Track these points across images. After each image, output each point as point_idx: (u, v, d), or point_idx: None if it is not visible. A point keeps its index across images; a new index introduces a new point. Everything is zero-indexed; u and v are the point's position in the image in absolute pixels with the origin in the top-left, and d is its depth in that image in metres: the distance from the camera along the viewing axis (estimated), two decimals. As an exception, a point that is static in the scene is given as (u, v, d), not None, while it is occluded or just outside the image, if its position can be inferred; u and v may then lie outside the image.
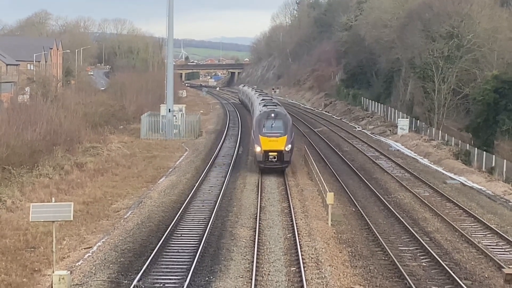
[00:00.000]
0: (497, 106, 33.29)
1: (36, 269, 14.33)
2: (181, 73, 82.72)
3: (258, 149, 25.13)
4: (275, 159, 25.04)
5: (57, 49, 69.22)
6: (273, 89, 73.27)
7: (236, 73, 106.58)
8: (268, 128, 25.56)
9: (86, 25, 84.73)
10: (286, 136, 25.23)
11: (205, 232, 16.64)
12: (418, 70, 41.07)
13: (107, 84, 68.67)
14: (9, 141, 25.31)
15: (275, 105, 32.21)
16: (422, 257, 15.08)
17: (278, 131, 25.44)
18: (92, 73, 77.75)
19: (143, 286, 12.49)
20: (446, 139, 37.16)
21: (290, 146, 25.33)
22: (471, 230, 18.16)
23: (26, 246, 15.58)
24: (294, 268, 13.74)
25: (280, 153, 24.93)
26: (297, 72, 77.04)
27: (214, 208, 19.88)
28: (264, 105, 31.86)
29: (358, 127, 48.49)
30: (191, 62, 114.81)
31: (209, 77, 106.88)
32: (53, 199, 14.95)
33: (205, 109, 60.09)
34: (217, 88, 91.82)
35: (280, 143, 24.92)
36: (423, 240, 16.31)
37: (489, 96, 33.51)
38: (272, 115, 26.37)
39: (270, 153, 24.84)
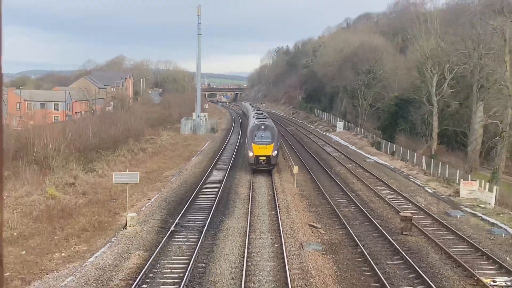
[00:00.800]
0: (397, 114, 49.66)
1: (116, 212, 22.65)
2: (205, 94, 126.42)
3: (250, 153, 29.40)
4: (264, 162, 29.21)
5: (130, 79, 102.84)
6: (261, 103, 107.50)
7: (238, 94, 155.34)
8: (259, 137, 29.74)
9: (147, 63, 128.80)
10: (273, 144, 29.30)
11: (219, 190, 25.60)
12: (349, 92, 61.87)
13: (160, 100, 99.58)
14: (101, 135, 38.39)
15: (265, 118, 37.32)
16: (351, 206, 23.66)
17: (267, 140, 29.53)
18: (151, 93, 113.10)
19: (181, 223, 21.09)
20: (366, 134, 54.74)
21: (276, 152, 29.55)
22: (380, 189, 27.78)
23: (110, 199, 24.47)
24: (273, 212, 21.25)
25: (268, 157, 29.17)
26: (276, 93, 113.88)
27: (225, 176, 29.63)
28: (256, 118, 37.05)
29: (313, 127, 69.67)
30: (211, 87, 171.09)
31: (222, 96, 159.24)
32: (127, 170, 23.63)
33: (220, 116, 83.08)
34: (227, 103, 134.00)
35: (268, 150, 29.14)
36: (351, 195, 25.49)
37: (392, 108, 50.94)
38: (262, 127, 30.55)
39: (260, 157, 29.12)
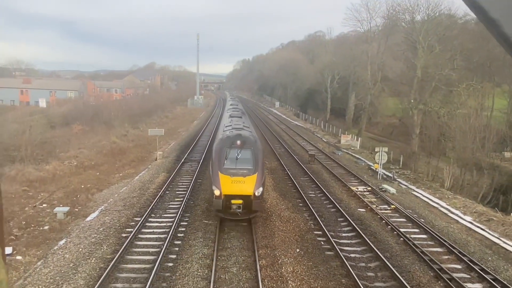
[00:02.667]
0: (308, 98, 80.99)
1: (151, 151, 35.27)
2: (202, 85, 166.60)
3: (216, 192, 15.68)
4: (241, 208, 15.76)
5: (158, 75, 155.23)
6: (234, 92, 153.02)
7: (221, 85, 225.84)
8: (231, 162, 16.30)
9: (168, 67, 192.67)
10: (256, 173, 15.93)
11: (209, 139, 38.16)
12: (282, 85, 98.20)
13: (176, 88, 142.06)
14: (141, 108, 55.79)
15: (241, 118, 23.84)
16: (281, 149, 36.47)
17: (246, 166, 16.13)
18: (170, 84, 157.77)
19: (188, 157, 33.68)
20: (291, 109, 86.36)
21: (261, 188, 15.87)
22: (298, 139, 42.69)
23: (147, 143, 37.39)
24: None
25: (247, 199, 15.71)
26: (241, 85, 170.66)
27: (213, 130, 42.11)
28: (230, 117, 23.87)
29: (262, 104, 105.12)
30: (205, 81, 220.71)
31: (212, 87, 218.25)
32: (156, 128, 36.31)
33: (210, 97, 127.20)
34: (214, 90, 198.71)
35: (248, 185, 15.71)
36: (282, 143, 37.84)
37: (305, 94, 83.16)
38: (238, 142, 16.65)
39: (233, 201, 15.65)
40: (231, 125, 19.97)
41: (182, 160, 30.21)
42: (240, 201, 15.77)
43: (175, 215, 17.93)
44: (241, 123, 20.87)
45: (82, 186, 24.12)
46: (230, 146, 16.56)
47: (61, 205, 19.93)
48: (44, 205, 20.32)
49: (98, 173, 27.53)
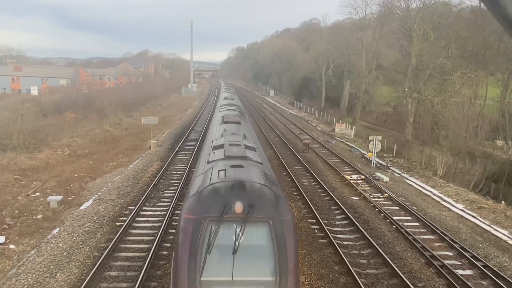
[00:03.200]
0: (303, 86, 78.79)
1: (145, 140, 35.22)
2: (196, 73, 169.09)
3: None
4: None
5: (151, 63, 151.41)
6: (228, 80, 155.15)
7: (215, 73, 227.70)
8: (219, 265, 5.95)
9: (161, 54, 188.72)
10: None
11: (203, 128, 37.99)
12: (277, 74, 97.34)
13: (169, 76, 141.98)
14: (135, 95, 55.31)
15: (243, 139, 11.15)
16: (276, 138, 36.53)
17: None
18: (164, 72, 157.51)
19: (182, 146, 33.73)
20: (285, 97, 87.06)
21: None
22: (292, 128, 42.25)
23: (141, 132, 37.19)
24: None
25: None
26: (236, 74, 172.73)
27: (207, 118, 41.94)
28: (219, 145, 10.29)
29: (257, 93, 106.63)
30: (199, 69, 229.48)
31: (206, 75, 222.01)
32: (150, 116, 36.06)
33: (204, 86, 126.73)
34: (209, 78, 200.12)
35: None
36: (277, 132, 37.91)
37: (300, 83, 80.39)
38: (238, 205, 5.93)
39: None
40: (222, 147, 9.61)
41: (176, 149, 30.17)
42: None
43: (169, 203, 17.93)
44: (240, 139, 10.73)
45: (75, 175, 24.00)
46: (218, 219, 6.11)
47: (54, 194, 19.84)
48: (37, 194, 20.21)
49: (91, 162, 27.41)
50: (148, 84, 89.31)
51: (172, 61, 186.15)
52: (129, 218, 15.93)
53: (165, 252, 13.23)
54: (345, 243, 14.56)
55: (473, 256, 13.75)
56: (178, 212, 16.07)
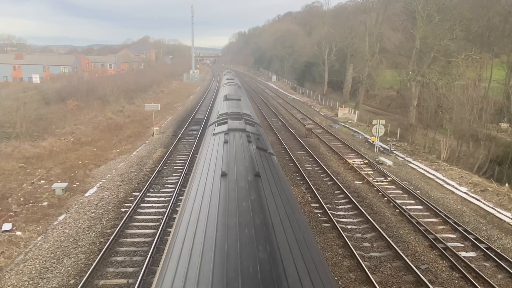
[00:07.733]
0: (305, 71, 77.19)
1: (147, 127, 35.47)
2: (197, 59, 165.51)
3: None
4: None
5: (153, 50, 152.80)
6: (230, 66, 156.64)
7: (216, 59, 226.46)
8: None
9: (162, 40, 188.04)
10: None
11: (206, 114, 37.96)
12: (279, 58, 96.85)
13: (171, 62, 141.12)
14: (137, 82, 54.68)
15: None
16: (278, 123, 36.38)
17: None
18: (165, 58, 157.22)
19: (184, 133, 33.74)
20: (288, 82, 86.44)
21: None
22: (295, 113, 42.09)
23: (144, 119, 37.20)
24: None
25: None
26: (237, 59, 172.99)
27: (209, 105, 41.74)
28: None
29: (259, 78, 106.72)
30: (201, 55, 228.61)
31: (208, 60, 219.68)
32: (152, 103, 35.99)
33: (206, 71, 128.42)
34: (210, 64, 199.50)
35: None
36: (279, 117, 37.71)
37: (302, 67, 79.08)
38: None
39: None
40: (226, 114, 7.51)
41: (179, 135, 30.16)
42: None
43: (173, 189, 18.02)
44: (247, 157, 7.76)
45: (80, 162, 24.11)
46: None
47: (59, 181, 19.97)
48: (42, 181, 20.35)
49: (95, 149, 27.57)
50: (150, 70, 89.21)
51: (174, 47, 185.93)
52: (134, 204, 16.04)
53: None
54: (349, 227, 14.64)
55: (476, 238, 13.80)
56: (182, 198, 16.33)
